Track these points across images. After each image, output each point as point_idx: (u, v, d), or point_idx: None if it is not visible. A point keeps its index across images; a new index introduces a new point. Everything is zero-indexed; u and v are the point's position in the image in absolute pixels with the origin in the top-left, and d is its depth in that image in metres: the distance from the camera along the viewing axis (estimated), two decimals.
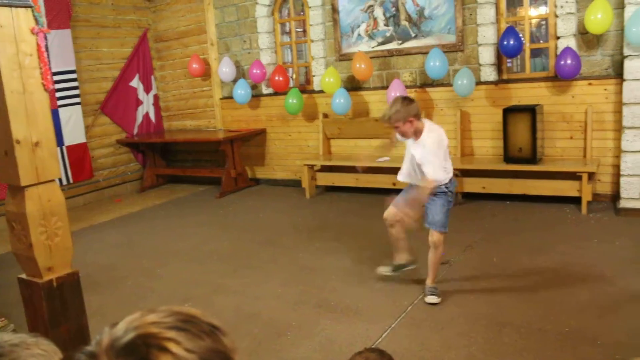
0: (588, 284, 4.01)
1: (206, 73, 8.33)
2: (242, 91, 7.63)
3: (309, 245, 5.38)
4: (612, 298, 3.78)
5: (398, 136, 3.98)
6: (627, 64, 5.42)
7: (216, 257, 5.26)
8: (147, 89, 8.82)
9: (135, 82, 8.63)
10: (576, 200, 5.77)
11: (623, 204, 5.59)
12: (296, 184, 7.62)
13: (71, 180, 7.70)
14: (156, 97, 9.00)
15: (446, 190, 3.88)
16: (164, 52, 8.96)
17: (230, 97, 8.05)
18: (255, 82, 7.72)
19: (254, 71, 7.53)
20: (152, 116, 8.93)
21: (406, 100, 3.79)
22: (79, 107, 7.75)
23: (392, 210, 4.09)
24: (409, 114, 3.72)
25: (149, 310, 0.86)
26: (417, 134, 3.81)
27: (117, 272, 5.07)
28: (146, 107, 8.84)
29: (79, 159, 7.79)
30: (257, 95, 7.96)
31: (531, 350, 3.22)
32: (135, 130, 8.71)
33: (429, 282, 4.04)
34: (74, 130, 7.70)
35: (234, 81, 7.92)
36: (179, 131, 8.98)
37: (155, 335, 0.81)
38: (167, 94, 9.10)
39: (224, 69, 7.82)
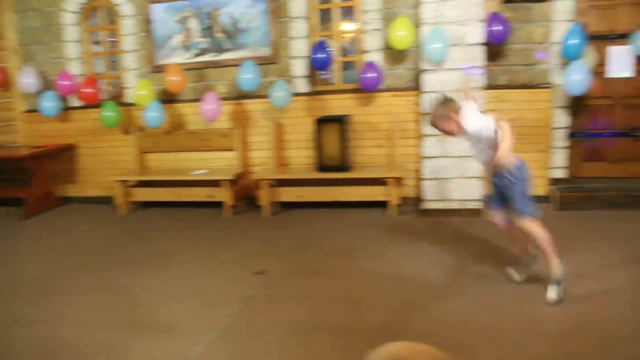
0: (394, 282, 4.23)
1: (6, 83, 7.64)
2: (49, 103, 7.09)
3: (123, 264, 5.11)
4: (414, 293, 4.01)
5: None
6: (425, 78, 5.87)
7: (18, 285, 4.78)
8: None
9: None
10: (385, 204, 6.11)
11: (426, 205, 6.03)
12: (111, 201, 7.25)
13: None
14: None
15: (508, 174, 3.71)
16: None
17: (36, 110, 7.46)
18: (63, 93, 7.23)
19: (62, 82, 7.04)
20: None
21: (443, 100, 3.79)
22: None
23: (489, 213, 4.04)
24: (447, 111, 3.71)
25: None
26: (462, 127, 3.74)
27: None
28: None
29: None
30: (66, 108, 7.46)
31: (342, 349, 3.30)
32: None
33: (552, 272, 3.75)
34: None
35: (39, 93, 7.34)
36: None
37: None
38: None
39: (27, 80, 7.21)
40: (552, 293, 3.69)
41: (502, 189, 3.83)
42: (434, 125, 3.82)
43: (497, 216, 3.98)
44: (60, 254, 5.56)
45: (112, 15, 7.38)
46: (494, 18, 5.75)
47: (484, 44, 5.76)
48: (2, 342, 3.75)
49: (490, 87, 6.06)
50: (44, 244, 5.97)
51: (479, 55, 5.72)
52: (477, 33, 5.69)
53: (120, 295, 4.40)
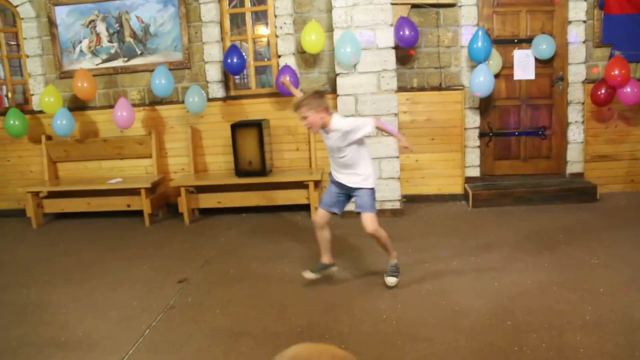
0: (317, 285, 4.27)
1: None
2: None
3: (36, 279, 4.88)
4: (337, 294, 4.07)
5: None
6: (339, 81, 5.95)
7: None
8: None
9: None
10: (307, 207, 6.16)
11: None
12: (21, 213, 6.89)
13: None
14: None
15: (372, 187, 4.01)
16: None
17: None
18: None
19: None
20: None
21: (319, 93, 3.88)
22: None
23: (322, 212, 4.15)
24: (320, 105, 3.79)
25: None
26: (325, 126, 3.87)
27: None
28: None
29: None
30: None
31: (266, 354, 3.29)
32: None
33: (390, 259, 4.18)
34: None
35: None
36: None
37: None
38: None
39: None
40: (392, 279, 4.11)
41: (351, 194, 4.10)
42: (300, 111, 3.89)
43: (327, 217, 4.19)
44: None
45: (11, 17, 7.02)
46: (402, 22, 5.91)
47: (395, 47, 5.90)
48: None
49: (402, 89, 6.23)
50: None
51: (390, 58, 5.86)
52: (387, 37, 5.83)
53: (33, 313, 4.21)
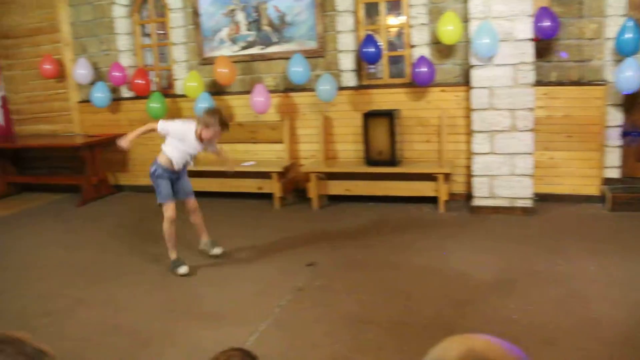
0: (443, 278, 4.27)
1: (61, 74, 7.85)
2: (100, 94, 7.31)
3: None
4: (467, 290, 4.05)
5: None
6: (474, 73, 5.83)
7: (77, 269, 4.97)
8: None
9: None
10: (434, 200, 6.12)
11: (476, 202, 6.01)
12: None
13: None
14: (4, 99, 8.35)
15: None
16: (12, 50, 8.29)
17: (89, 101, 7.65)
18: (116, 85, 7.42)
19: (114, 74, 7.24)
20: (0, 120, 8.29)
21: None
22: None
23: (173, 204, 4.79)
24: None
25: None
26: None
27: None
28: None
29: None
30: (117, 99, 7.66)
31: (393, 343, 3.36)
32: None
33: (205, 237, 5.06)
34: None
35: (92, 84, 7.54)
36: (32, 136, 8.37)
37: None
38: (18, 95, 8.43)
39: (81, 71, 7.42)
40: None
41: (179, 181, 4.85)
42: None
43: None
44: (112, 241, 5.76)
45: (161, 8, 7.53)
46: (543, 13, 5.68)
47: (533, 39, 5.68)
48: (68, 321, 3.92)
49: (539, 83, 5.99)
50: (98, 230, 6.17)
51: (528, 50, 5.66)
52: (525, 28, 5.62)
53: (173, 282, 4.54)
